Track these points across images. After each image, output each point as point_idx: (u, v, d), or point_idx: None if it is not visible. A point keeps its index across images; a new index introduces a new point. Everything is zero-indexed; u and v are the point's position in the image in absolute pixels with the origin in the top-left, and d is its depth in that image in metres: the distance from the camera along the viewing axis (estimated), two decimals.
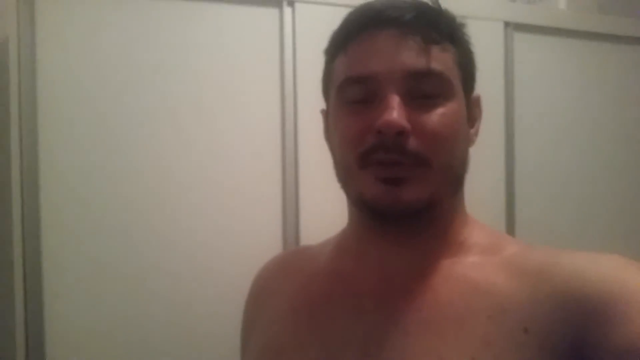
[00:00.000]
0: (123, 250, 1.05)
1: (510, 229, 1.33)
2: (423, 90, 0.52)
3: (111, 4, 1.05)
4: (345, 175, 0.57)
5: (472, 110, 0.59)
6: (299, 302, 0.60)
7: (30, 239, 0.99)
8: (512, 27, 1.36)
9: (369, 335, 0.52)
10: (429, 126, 0.51)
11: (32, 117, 1.00)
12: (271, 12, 1.14)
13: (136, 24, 1.07)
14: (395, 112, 0.50)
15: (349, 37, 0.56)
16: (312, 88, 1.14)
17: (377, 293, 0.55)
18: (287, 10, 1.14)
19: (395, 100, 0.50)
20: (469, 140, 0.58)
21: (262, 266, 0.75)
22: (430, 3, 0.56)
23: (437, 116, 0.52)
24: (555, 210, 1.39)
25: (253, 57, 1.14)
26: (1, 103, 1.02)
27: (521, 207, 1.35)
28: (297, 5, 1.14)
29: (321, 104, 1.14)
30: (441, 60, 0.53)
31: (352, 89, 0.55)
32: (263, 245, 1.13)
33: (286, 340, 0.57)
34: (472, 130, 0.60)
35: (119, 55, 1.06)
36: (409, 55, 0.52)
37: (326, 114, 0.65)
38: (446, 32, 0.55)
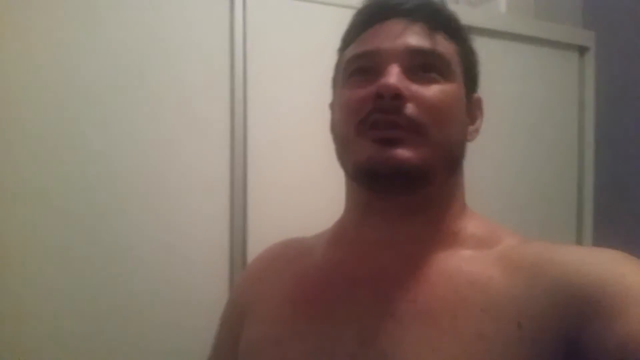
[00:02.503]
0: (67, 244, 1.01)
1: None
2: (424, 67, 0.55)
3: None
4: (343, 147, 0.58)
5: (473, 109, 0.62)
6: (296, 293, 0.60)
7: None
8: None
9: (364, 325, 0.53)
10: (426, 97, 0.53)
11: None
12: (222, 3, 1.12)
13: (80, 11, 1.02)
14: (393, 77, 0.52)
15: (359, 30, 0.59)
16: (263, 81, 1.15)
17: (373, 283, 0.55)
18: (238, 1, 1.13)
19: (394, 69, 0.53)
20: (465, 130, 0.60)
21: (258, 254, 0.74)
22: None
23: (435, 90, 0.54)
24: (487, 208, 1.45)
25: (203, 48, 1.11)
26: None
27: None
28: None
29: (271, 98, 1.15)
30: (444, 45, 0.56)
31: (356, 64, 0.57)
32: (209, 240, 1.11)
33: (284, 330, 0.57)
34: (472, 127, 0.62)
35: (62, 46, 1.01)
36: (413, 36, 0.55)
37: (332, 105, 0.65)
38: (448, 25, 0.58)
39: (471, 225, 0.58)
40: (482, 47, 1.41)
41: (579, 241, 1.55)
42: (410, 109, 0.52)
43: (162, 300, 1.07)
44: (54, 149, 1.01)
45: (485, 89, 1.42)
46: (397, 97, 0.51)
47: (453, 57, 0.57)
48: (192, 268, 1.10)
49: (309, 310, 0.57)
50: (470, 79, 0.61)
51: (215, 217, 1.12)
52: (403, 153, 0.52)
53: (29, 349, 0.97)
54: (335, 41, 0.66)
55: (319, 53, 1.18)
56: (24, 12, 0.99)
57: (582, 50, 1.58)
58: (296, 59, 1.19)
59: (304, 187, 1.17)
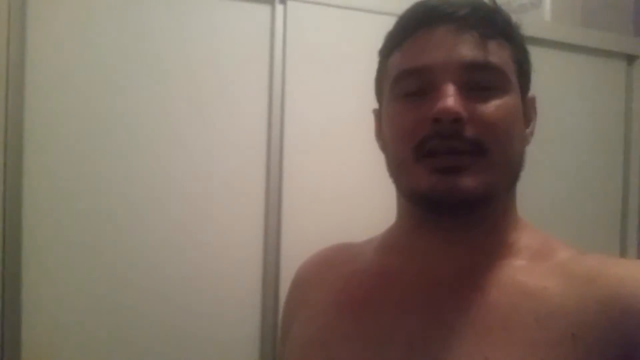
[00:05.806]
0: (106, 244, 1.04)
1: None
2: (480, 82, 0.52)
3: None
4: (398, 170, 0.57)
5: (527, 110, 0.60)
6: (344, 296, 0.60)
7: (10, 230, 0.98)
8: None
9: (414, 333, 0.52)
10: (486, 115, 0.51)
11: (18, 111, 0.99)
12: (263, 9, 1.15)
13: (126, 18, 1.06)
14: (451, 99, 0.49)
15: (405, 34, 0.56)
16: (300, 86, 1.16)
17: (425, 290, 0.55)
18: (279, 7, 1.15)
19: (451, 89, 0.50)
20: (524, 139, 0.58)
21: (306, 259, 0.74)
22: (485, 0, 0.57)
23: (494, 107, 0.51)
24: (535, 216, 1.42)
25: (243, 53, 1.14)
26: None
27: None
28: (289, 3, 1.15)
29: (308, 102, 1.16)
30: (498, 54, 0.53)
31: (406, 81, 0.55)
32: (243, 244, 1.14)
33: (331, 333, 0.57)
34: (528, 130, 0.60)
35: (108, 49, 1.05)
36: (466, 48, 0.52)
37: (378, 113, 0.64)
38: (502, 28, 0.55)
39: (525, 237, 0.57)
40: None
41: (623, 250, 1.51)
42: (470, 130, 0.50)
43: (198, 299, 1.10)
44: (95, 152, 1.05)
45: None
46: (457, 120, 0.49)
47: (508, 64, 0.54)
48: (227, 271, 1.12)
49: (356, 314, 0.57)
50: (525, 80, 0.59)
51: (249, 221, 1.15)
52: (467, 182, 0.50)
53: (60, 347, 1.01)
54: (374, 48, 0.66)
55: (358, 60, 1.19)
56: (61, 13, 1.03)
57: (630, 59, 1.53)
58: (335, 65, 1.20)
59: (338, 193, 1.18)
